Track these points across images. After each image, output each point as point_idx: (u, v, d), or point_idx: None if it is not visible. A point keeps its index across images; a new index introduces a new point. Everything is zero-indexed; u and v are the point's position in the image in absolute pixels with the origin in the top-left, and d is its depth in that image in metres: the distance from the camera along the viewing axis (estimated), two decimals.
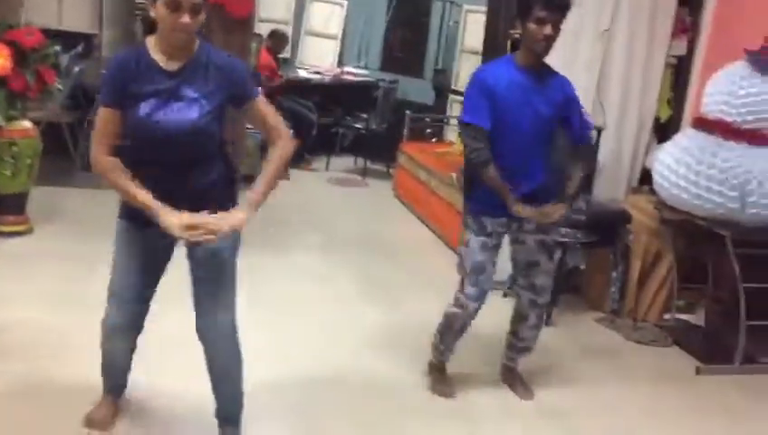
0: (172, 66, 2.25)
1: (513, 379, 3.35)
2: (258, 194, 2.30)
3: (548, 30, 2.80)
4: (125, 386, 2.77)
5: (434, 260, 5.04)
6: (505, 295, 4.22)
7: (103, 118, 2.27)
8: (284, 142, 2.38)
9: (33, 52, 4.40)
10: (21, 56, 4.33)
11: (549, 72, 2.99)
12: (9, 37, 4.33)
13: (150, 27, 2.27)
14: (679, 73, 4.78)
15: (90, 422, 2.66)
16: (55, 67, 4.65)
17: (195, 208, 2.24)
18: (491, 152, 2.88)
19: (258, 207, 2.31)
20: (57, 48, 4.64)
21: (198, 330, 2.49)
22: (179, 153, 2.27)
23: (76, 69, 5.87)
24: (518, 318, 3.24)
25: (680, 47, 4.72)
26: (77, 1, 6.53)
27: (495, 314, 3.35)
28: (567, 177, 3.06)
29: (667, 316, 4.31)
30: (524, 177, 2.95)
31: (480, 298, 3.05)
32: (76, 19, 6.50)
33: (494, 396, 3.27)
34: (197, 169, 2.33)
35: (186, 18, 2.15)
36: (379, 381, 3.30)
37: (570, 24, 2.98)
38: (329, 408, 3.03)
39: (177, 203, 2.24)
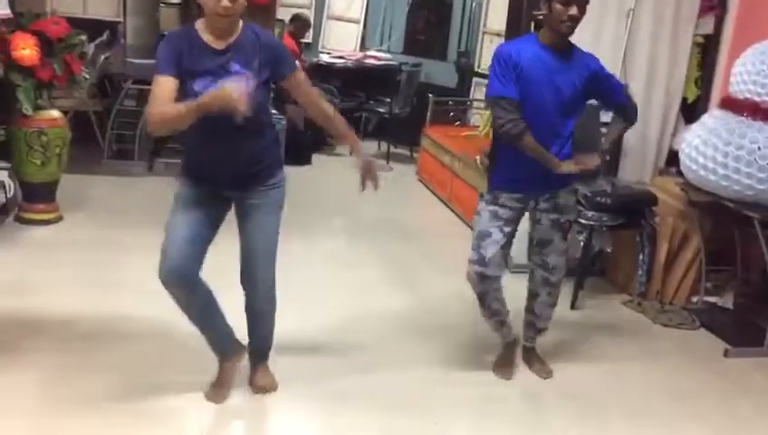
0: (220, 45, 2.49)
1: (532, 358, 3.37)
2: (350, 139, 2.91)
3: (573, 10, 2.79)
4: (228, 350, 2.85)
5: (457, 243, 5.00)
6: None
7: (161, 85, 2.43)
8: (325, 101, 2.77)
9: (60, 41, 4.46)
10: (48, 46, 4.39)
11: (573, 51, 2.98)
12: (36, 27, 4.38)
13: (200, 10, 2.49)
14: (707, 52, 4.70)
15: (209, 396, 2.83)
16: (82, 56, 4.71)
17: (247, 172, 2.60)
18: (519, 115, 2.88)
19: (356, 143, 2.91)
20: (83, 37, 4.69)
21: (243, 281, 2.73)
22: (234, 126, 2.41)
23: (102, 57, 5.93)
24: (531, 295, 3.27)
25: (707, 25, 4.64)
26: None
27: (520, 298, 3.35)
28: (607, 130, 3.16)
29: (694, 299, 4.28)
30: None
31: (481, 263, 3.03)
32: (101, 7, 6.55)
33: (516, 376, 3.29)
34: (249, 137, 2.56)
35: (225, 2, 2.38)
36: (401, 361, 3.33)
37: (595, 2, 2.95)
38: (350, 388, 3.06)
39: (232, 168, 2.57)
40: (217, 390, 2.84)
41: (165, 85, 2.42)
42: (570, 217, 3.23)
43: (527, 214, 3.17)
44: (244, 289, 2.76)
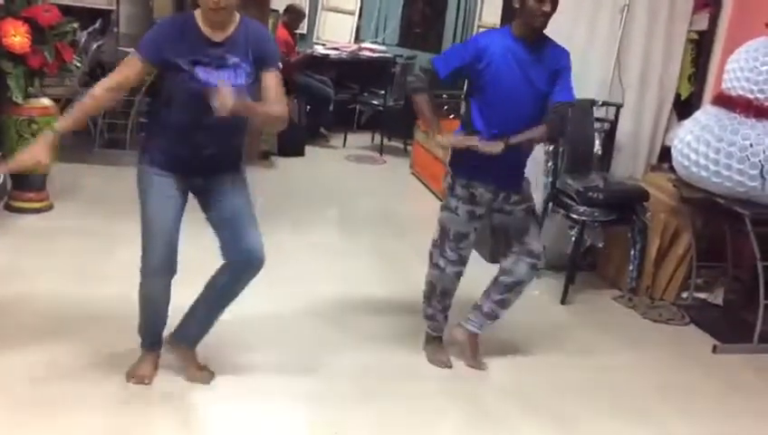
0: (218, 37, 2.51)
1: (471, 344, 3.27)
2: (255, 105, 2.55)
3: (547, 7, 2.83)
4: (160, 341, 2.87)
5: None
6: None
7: (129, 63, 2.51)
8: (281, 107, 2.61)
9: (51, 29, 4.41)
10: (39, 33, 4.34)
11: (546, 44, 2.99)
12: (27, 14, 4.34)
13: (196, 1, 2.51)
14: (701, 49, 4.70)
15: (131, 377, 2.81)
16: (73, 44, 4.67)
17: (227, 160, 2.64)
18: (429, 86, 2.97)
19: (246, 108, 2.48)
20: (75, 25, 4.65)
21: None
22: (226, 116, 2.41)
23: (94, 45, 5.88)
24: (514, 285, 3.16)
25: (702, 22, 4.63)
26: None
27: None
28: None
29: (684, 295, 4.29)
30: (512, 149, 2.90)
31: (459, 263, 3.11)
32: None
33: (500, 370, 3.28)
34: (237, 129, 2.61)
35: None
36: (382, 350, 3.34)
37: None
38: (332, 373, 3.09)
39: (213, 158, 2.58)
40: (140, 373, 2.82)
41: (131, 63, 2.51)
42: (532, 203, 3.22)
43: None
44: (232, 261, 2.69)
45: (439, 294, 3.20)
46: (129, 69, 2.52)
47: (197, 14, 2.52)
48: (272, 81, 2.59)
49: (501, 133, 2.90)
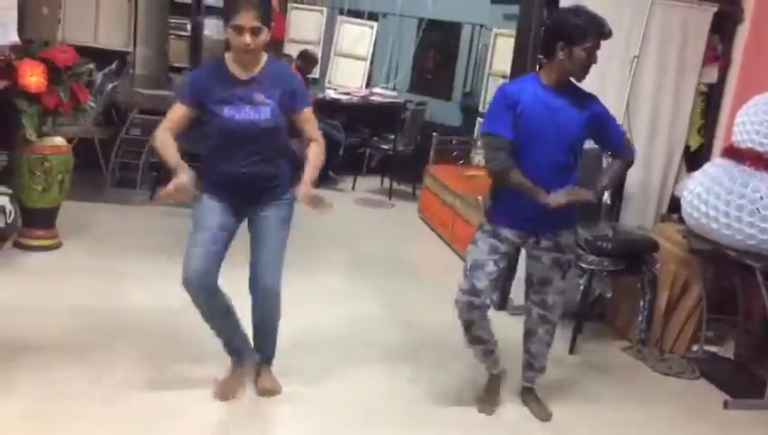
0: (245, 76, 2.80)
1: (530, 399, 3.34)
2: (307, 176, 2.87)
3: (594, 59, 2.89)
4: (240, 355, 3.09)
5: (456, 282, 5.01)
6: None
7: (176, 110, 2.81)
8: (319, 146, 2.95)
9: (67, 69, 4.48)
10: (55, 73, 4.42)
11: (575, 91, 3.01)
12: (44, 55, 4.42)
13: (227, 45, 2.87)
14: (710, 101, 4.72)
15: (216, 393, 3.04)
16: (89, 85, 4.74)
17: (262, 187, 2.88)
18: (513, 160, 2.92)
19: (310, 184, 2.84)
20: (91, 66, 4.72)
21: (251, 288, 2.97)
22: (254, 147, 2.80)
23: (109, 86, 5.97)
24: (528, 334, 3.26)
25: (711, 75, 4.66)
26: (112, 19, 6.67)
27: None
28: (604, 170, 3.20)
29: (694, 348, 4.23)
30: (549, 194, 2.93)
31: (471, 293, 3.02)
32: (111, 37, 6.64)
33: (513, 414, 3.27)
34: (268, 160, 2.86)
35: (247, 38, 2.68)
36: (390, 393, 3.33)
37: (601, 48, 2.97)
38: (342, 415, 3.08)
39: (249, 184, 2.84)
40: (225, 387, 3.05)
41: (177, 110, 2.81)
42: (570, 257, 3.22)
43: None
44: (251, 296, 2.96)
45: (463, 327, 3.11)
46: (175, 113, 2.82)
47: (228, 56, 2.83)
48: (309, 115, 2.93)
49: (535, 177, 2.91)
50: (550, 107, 2.93)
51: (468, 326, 3.10)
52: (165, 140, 2.77)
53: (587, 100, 3.03)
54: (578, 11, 2.92)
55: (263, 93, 2.78)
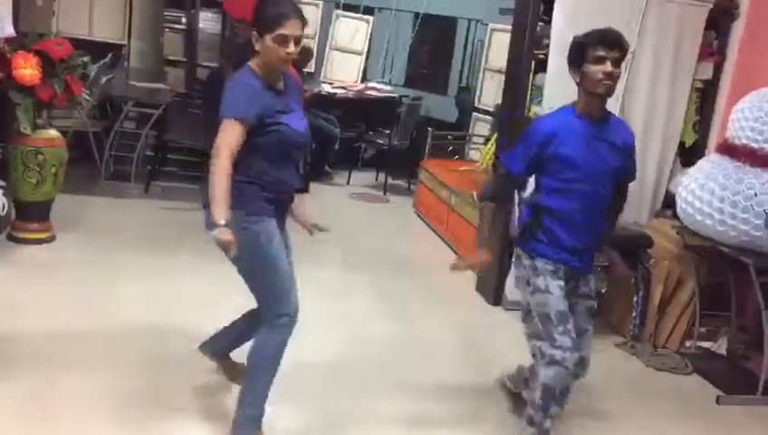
0: (281, 86, 2.64)
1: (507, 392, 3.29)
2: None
3: (608, 67, 2.65)
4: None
5: (450, 277, 4.98)
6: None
7: (233, 132, 2.46)
8: None
9: (62, 62, 4.46)
10: (50, 66, 4.40)
11: (611, 119, 2.86)
12: (39, 47, 4.39)
13: (240, 55, 2.61)
14: (705, 98, 4.73)
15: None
16: (83, 78, 4.72)
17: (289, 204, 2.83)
18: (514, 191, 2.96)
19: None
20: (86, 59, 4.70)
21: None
22: (299, 157, 2.77)
23: (104, 79, 5.95)
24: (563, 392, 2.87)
25: (707, 71, 4.67)
26: (107, 12, 6.64)
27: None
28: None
29: (688, 343, 4.25)
30: (588, 228, 2.82)
31: (576, 348, 2.73)
32: (106, 29, 6.61)
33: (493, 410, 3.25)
34: (299, 166, 2.81)
35: (291, 47, 2.51)
36: (384, 390, 3.30)
37: None
38: (332, 413, 3.04)
39: (291, 200, 2.80)
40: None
41: (236, 132, 2.46)
42: (595, 302, 3.01)
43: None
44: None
45: (560, 395, 2.78)
46: (232, 136, 2.46)
47: (255, 67, 2.56)
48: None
49: (582, 209, 2.78)
50: (586, 137, 2.75)
51: (564, 393, 2.79)
52: (225, 180, 2.42)
53: (623, 130, 2.90)
54: (585, 33, 2.74)
55: (294, 102, 2.69)
